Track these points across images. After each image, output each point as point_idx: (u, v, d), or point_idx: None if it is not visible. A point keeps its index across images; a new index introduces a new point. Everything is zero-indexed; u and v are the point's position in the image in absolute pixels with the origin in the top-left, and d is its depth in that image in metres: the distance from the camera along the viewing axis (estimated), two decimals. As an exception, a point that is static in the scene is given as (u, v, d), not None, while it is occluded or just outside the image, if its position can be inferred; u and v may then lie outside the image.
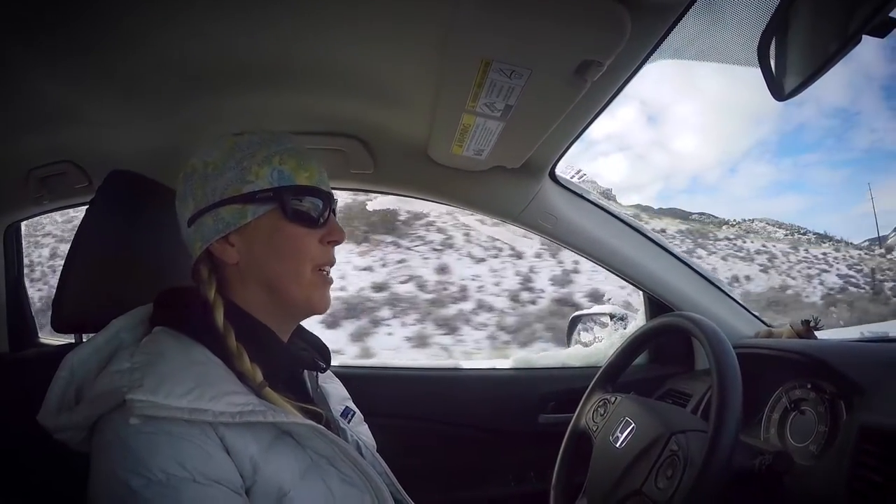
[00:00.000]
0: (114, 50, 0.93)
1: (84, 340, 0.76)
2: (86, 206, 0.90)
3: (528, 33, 0.75)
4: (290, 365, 0.82)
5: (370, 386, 1.51)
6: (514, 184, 1.34)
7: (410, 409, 1.55)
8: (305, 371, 0.89)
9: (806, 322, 1.38)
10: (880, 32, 0.56)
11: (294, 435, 0.70)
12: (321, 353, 0.90)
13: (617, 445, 0.99)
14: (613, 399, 1.11)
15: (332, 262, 0.82)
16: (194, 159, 0.78)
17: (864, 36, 0.58)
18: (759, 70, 0.78)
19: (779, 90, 0.75)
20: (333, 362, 0.93)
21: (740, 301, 1.52)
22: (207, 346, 0.71)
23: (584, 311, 1.87)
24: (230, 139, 0.78)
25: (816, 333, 1.36)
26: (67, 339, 0.93)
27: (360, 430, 0.94)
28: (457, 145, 1.12)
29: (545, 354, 1.69)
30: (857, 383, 0.95)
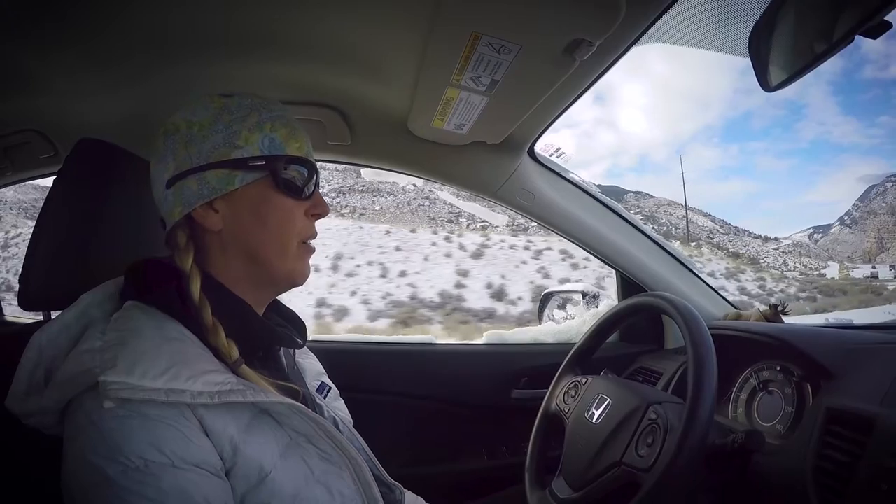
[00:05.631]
0: (83, 14, 0.87)
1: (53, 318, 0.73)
2: (53, 177, 0.85)
3: (522, 8, 0.73)
4: (267, 342, 0.79)
5: (345, 361, 1.50)
6: (493, 160, 1.32)
7: (385, 384, 1.55)
8: (281, 347, 0.86)
9: (774, 306, 1.42)
10: (874, 34, 0.56)
11: (273, 413, 0.69)
12: (297, 329, 0.88)
13: (593, 421, 1.00)
14: (584, 380, 1.12)
15: (314, 235, 0.80)
16: (177, 117, 0.73)
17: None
18: (744, 59, 0.78)
19: (766, 82, 0.75)
20: (309, 337, 0.91)
21: (710, 283, 1.56)
22: (181, 321, 0.68)
23: (556, 289, 1.87)
24: (218, 100, 0.74)
25: (783, 318, 1.40)
26: (35, 317, 0.88)
27: (336, 405, 0.93)
28: (438, 119, 1.10)
29: (518, 331, 1.70)
30: (824, 367, 0.99)
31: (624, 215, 1.49)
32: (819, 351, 1.03)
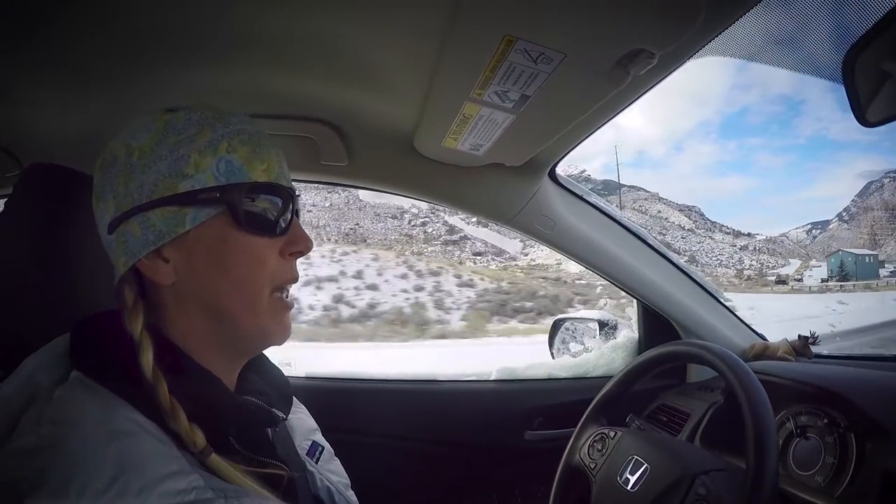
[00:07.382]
0: (50, 19, 0.76)
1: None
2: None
3: (573, 9, 0.59)
4: (240, 423, 0.64)
5: (343, 400, 1.40)
6: (509, 183, 1.19)
7: (387, 426, 1.44)
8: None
9: (804, 338, 1.33)
10: None
11: None
12: (280, 394, 0.73)
13: (628, 488, 0.90)
14: (613, 434, 1.02)
15: (294, 280, 0.66)
16: (115, 143, 0.60)
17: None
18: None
19: (861, 115, 0.62)
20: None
21: (736, 312, 1.45)
22: (135, 404, 0.54)
23: (568, 315, 1.75)
24: (161, 117, 0.60)
25: (813, 349, 1.31)
26: None
27: (329, 468, 0.80)
28: (451, 138, 0.96)
29: (531, 365, 1.58)
30: (878, 423, 0.88)
31: (648, 241, 1.37)
32: (872, 404, 0.93)
